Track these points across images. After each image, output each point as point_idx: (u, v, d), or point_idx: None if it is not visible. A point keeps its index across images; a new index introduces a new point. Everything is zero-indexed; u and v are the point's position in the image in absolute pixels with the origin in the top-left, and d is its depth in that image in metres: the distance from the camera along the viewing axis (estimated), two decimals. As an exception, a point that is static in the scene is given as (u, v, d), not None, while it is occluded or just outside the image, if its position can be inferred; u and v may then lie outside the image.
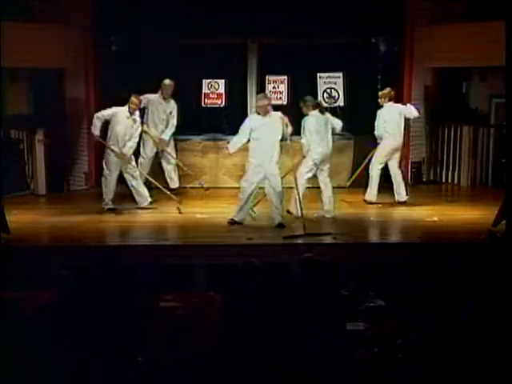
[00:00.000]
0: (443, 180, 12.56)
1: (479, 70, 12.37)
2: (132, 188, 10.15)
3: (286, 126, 9.09)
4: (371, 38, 12.23)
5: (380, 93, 10.70)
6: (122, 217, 9.83)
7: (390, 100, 10.62)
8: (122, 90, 10.63)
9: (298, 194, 9.38)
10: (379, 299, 6.89)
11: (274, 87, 12.42)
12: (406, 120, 11.08)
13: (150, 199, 10.25)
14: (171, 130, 11.21)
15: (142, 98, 10.35)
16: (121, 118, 9.93)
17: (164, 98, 11.14)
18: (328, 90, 12.35)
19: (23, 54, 10.44)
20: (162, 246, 8.59)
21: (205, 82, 12.35)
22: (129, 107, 9.96)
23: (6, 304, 5.25)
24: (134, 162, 10.18)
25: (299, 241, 8.64)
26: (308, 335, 4.99)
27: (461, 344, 4.92)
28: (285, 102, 12.36)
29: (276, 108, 12.32)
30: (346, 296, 6.86)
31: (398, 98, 12.32)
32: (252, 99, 12.53)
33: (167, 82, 11.15)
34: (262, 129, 9.04)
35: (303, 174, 9.69)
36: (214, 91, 12.37)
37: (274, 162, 9.08)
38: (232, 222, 9.24)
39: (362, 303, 6.82)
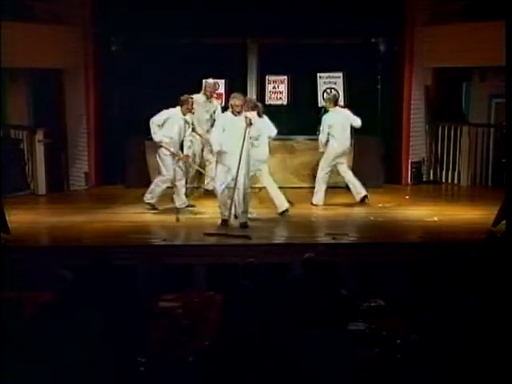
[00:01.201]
0: (443, 180, 12.56)
1: (479, 70, 12.37)
2: (175, 187, 10.13)
3: (250, 124, 8.96)
4: (371, 38, 12.22)
5: (326, 97, 10.62)
6: (121, 217, 9.83)
7: (335, 105, 10.54)
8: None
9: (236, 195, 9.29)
10: (379, 299, 6.90)
11: (273, 87, 12.43)
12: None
13: (187, 202, 10.25)
14: None
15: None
16: (176, 120, 9.97)
17: (207, 98, 11.08)
18: (328, 90, 12.34)
19: (23, 54, 10.45)
20: (162, 245, 8.59)
21: (205, 82, 12.33)
22: (182, 108, 9.99)
23: (6, 304, 5.25)
24: (181, 162, 10.19)
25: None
26: (308, 335, 4.99)
27: (461, 344, 4.92)
28: (285, 102, 12.38)
29: (276, 108, 12.42)
30: (346, 296, 6.86)
31: (398, 98, 12.39)
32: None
33: (210, 81, 11.14)
34: (230, 128, 9.03)
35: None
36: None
37: (238, 162, 8.99)
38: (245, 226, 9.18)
39: (362, 303, 6.83)
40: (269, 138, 9.89)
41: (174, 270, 7.85)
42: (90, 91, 12.02)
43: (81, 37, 11.79)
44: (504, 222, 8.16)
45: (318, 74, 12.42)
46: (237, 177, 8.94)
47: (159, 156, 10.03)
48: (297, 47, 12.10)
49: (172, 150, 9.95)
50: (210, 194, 10.83)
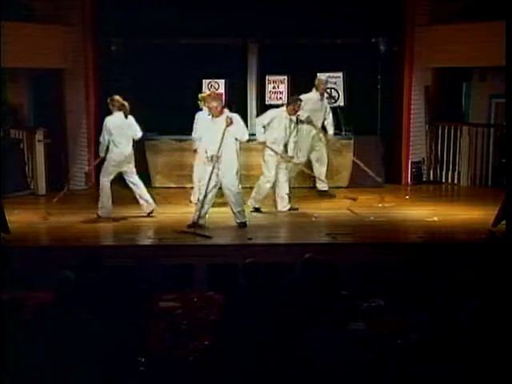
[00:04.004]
0: (443, 180, 12.56)
1: (479, 69, 12.37)
2: (277, 188, 10.10)
3: (231, 123, 8.88)
4: (371, 38, 12.22)
5: (200, 95, 10.56)
6: (121, 217, 9.83)
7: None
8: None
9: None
10: (379, 299, 6.90)
11: (273, 87, 12.42)
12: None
13: (288, 205, 10.16)
14: (333, 126, 11.15)
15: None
16: (281, 120, 9.95)
17: (320, 95, 11.08)
18: (328, 90, 12.34)
19: (23, 53, 10.46)
20: (162, 245, 8.59)
21: (205, 82, 12.34)
22: (288, 108, 9.99)
23: (6, 304, 5.25)
24: (285, 163, 10.16)
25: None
26: (308, 335, 4.99)
27: (461, 344, 4.92)
28: (285, 102, 12.35)
29: (276, 108, 12.38)
30: (346, 296, 6.87)
31: (398, 98, 12.39)
32: (252, 99, 12.56)
33: (323, 77, 11.18)
34: (210, 130, 9.02)
35: (104, 176, 9.63)
36: (213, 91, 12.36)
37: (228, 164, 8.98)
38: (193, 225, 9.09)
39: (362, 303, 6.84)
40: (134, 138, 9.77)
41: (173, 270, 7.85)
42: (89, 91, 12.01)
43: (81, 37, 11.78)
44: (504, 222, 8.16)
45: (318, 74, 12.40)
46: (209, 178, 8.94)
47: (263, 157, 10.03)
48: (297, 47, 12.10)
49: (277, 150, 9.90)
50: (323, 194, 11.10)
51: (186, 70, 11.77)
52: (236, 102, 12.52)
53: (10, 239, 8.44)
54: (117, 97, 9.68)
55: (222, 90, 12.34)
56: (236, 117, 9.09)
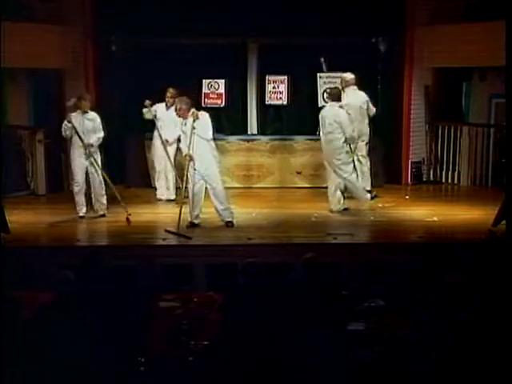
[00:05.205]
0: (443, 180, 12.56)
1: (479, 69, 12.37)
2: (349, 183, 10.08)
3: (197, 118, 8.87)
4: (371, 37, 12.21)
5: (169, 92, 10.58)
6: (122, 217, 9.83)
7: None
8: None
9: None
10: (379, 299, 6.89)
11: (273, 87, 12.41)
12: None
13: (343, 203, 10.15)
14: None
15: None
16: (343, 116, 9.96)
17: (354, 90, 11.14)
18: (328, 90, 12.34)
19: (23, 53, 10.46)
20: (162, 246, 8.59)
21: (205, 82, 12.34)
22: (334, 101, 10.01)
23: (6, 304, 5.24)
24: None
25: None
26: (308, 335, 4.99)
27: (461, 344, 4.92)
28: (285, 102, 12.37)
29: (276, 108, 12.39)
30: (347, 296, 6.86)
31: (398, 98, 12.39)
32: (252, 99, 12.56)
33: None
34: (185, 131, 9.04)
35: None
36: (213, 91, 12.37)
37: (207, 163, 9.02)
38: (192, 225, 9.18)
39: (362, 303, 6.83)
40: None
41: (174, 270, 7.85)
42: (89, 91, 12.00)
43: (81, 37, 11.79)
44: (504, 222, 8.16)
45: (318, 74, 12.41)
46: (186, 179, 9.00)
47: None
48: (297, 47, 12.10)
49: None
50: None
51: (186, 70, 11.76)
52: (236, 102, 12.57)
53: (10, 239, 8.44)
54: (88, 95, 9.74)
55: (222, 90, 12.34)
56: (203, 114, 9.05)
